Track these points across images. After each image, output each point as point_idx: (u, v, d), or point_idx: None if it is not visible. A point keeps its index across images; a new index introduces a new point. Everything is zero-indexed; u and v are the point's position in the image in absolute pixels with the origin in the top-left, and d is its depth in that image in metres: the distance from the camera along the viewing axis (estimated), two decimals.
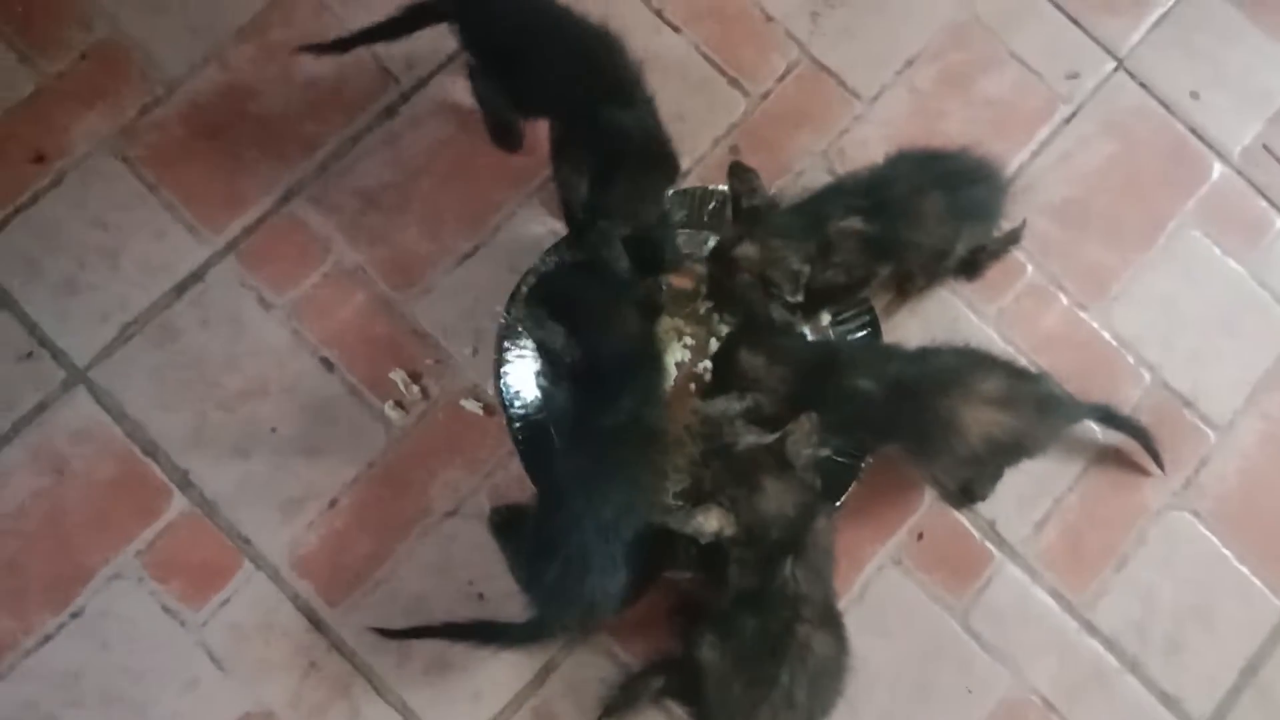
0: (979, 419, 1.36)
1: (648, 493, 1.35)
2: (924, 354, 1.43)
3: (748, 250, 1.46)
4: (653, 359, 1.45)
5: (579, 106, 1.47)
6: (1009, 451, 1.41)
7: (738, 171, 1.50)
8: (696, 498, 1.40)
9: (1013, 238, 1.62)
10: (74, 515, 1.49)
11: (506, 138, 1.64)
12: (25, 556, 1.48)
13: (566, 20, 1.50)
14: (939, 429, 1.37)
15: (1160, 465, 1.57)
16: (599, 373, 1.39)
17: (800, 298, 1.48)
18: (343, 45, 1.60)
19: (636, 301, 1.43)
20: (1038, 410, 1.40)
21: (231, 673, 1.45)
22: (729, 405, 1.41)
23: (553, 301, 1.42)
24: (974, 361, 1.41)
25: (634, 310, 1.42)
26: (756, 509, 1.31)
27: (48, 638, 1.45)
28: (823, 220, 1.47)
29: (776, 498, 1.31)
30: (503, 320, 1.52)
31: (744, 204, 1.49)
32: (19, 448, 1.51)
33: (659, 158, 1.48)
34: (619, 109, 1.44)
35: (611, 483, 1.31)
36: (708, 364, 1.55)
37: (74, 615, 1.46)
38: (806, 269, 1.45)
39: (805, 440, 1.32)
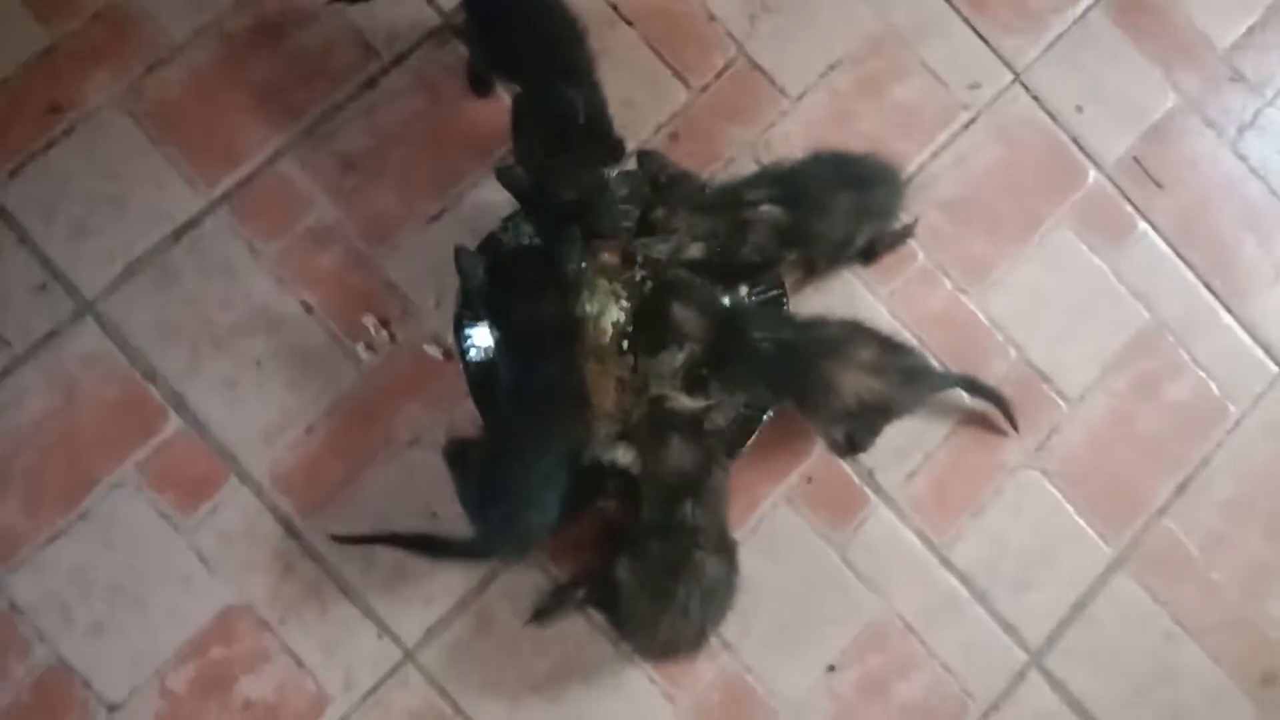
0: (852, 381, 1.57)
1: (576, 445, 1.56)
2: (813, 323, 1.65)
3: (659, 214, 1.65)
4: (571, 330, 1.62)
5: (537, 78, 1.65)
6: (878, 411, 1.62)
7: (645, 158, 1.68)
8: (620, 435, 1.62)
9: (906, 232, 1.82)
10: (82, 431, 1.66)
11: (480, 85, 1.81)
12: (40, 465, 1.64)
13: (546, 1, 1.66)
14: (819, 387, 1.58)
15: (1015, 427, 1.78)
16: (526, 345, 1.59)
17: (673, 260, 1.68)
18: None
19: (559, 280, 1.60)
20: (904, 378, 1.61)
21: (218, 571, 1.64)
22: (673, 357, 1.63)
23: (497, 271, 1.61)
24: (854, 332, 1.62)
25: (555, 288, 1.60)
26: (661, 459, 1.55)
27: (58, 536, 1.63)
28: (740, 203, 1.66)
29: (678, 454, 1.55)
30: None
31: (661, 180, 1.67)
32: (34, 369, 1.67)
33: (601, 135, 1.65)
34: (570, 87, 1.61)
35: (543, 441, 1.51)
36: None
37: (81, 517, 1.64)
38: (697, 249, 1.66)
39: (725, 415, 1.56)
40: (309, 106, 1.80)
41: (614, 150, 1.74)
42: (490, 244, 1.71)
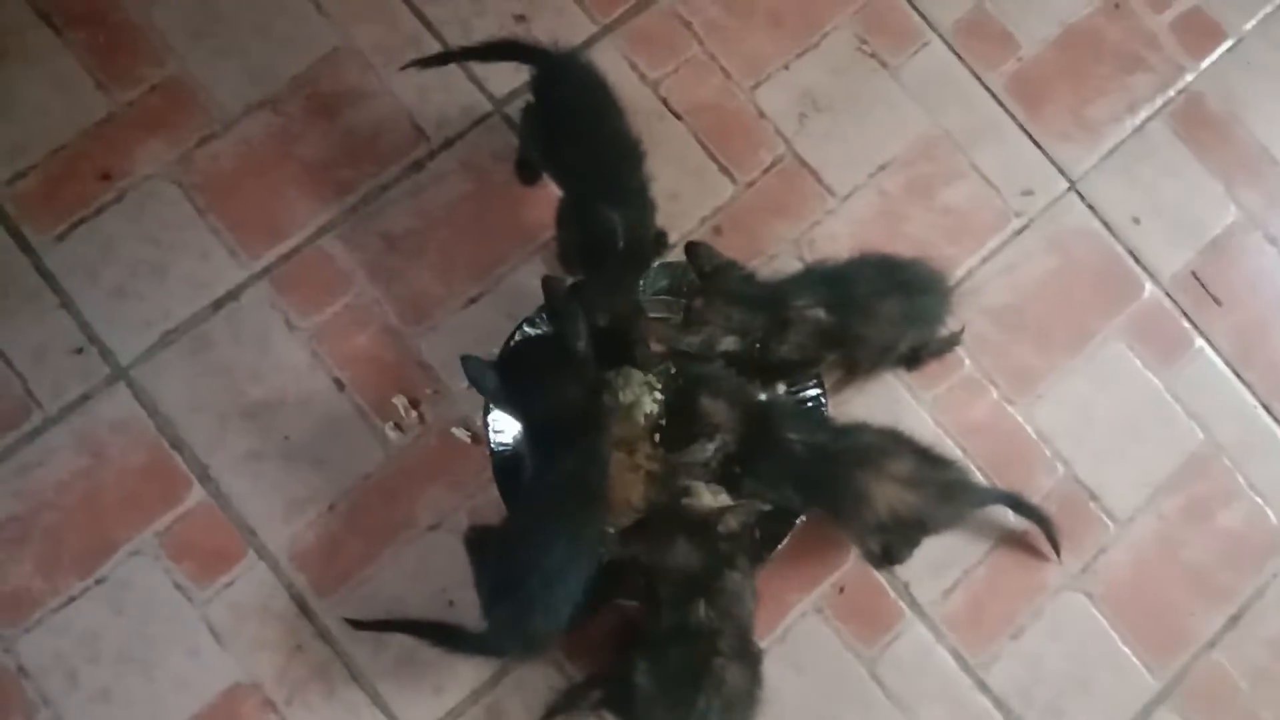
0: (886, 494, 1.53)
1: (588, 545, 1.50)
2: (850, 429, 1.61)
3: (696, 304, 1.62)
4: (594, 424, 1.57)
5: (582, 190, 1.66)
6: (912, 526, 1.57)
7: (693, 248, 1.66)
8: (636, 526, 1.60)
9: (953, 340, 1.78)
10: (106, 495, 1.65)
11: (526, 172, 1.81)
12: (60, 527, 1.64)
13: (610, 117, 1.66)
14: (851, 496, 1.54)
15: (1057, 553, 1.72)
16: (543, 434, 1.55)
17: (706, 351, 1.64)
18: (439, 60, 1.78)
19: (575, 375, 1.56)
20: (942, 494, 1.57)
21: (228, 646, 1.62)
22: (702, 450, 1.58)
23: (503, 368, 1.57)
24: (891, 442, 1.57)
25: (571, 382, 1.55)
26: (665, 557, 1.52)
27: (72, 599, 1.61)
28: (784, 299, 1.63)
29: (684, 555, 1.51)
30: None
31: (706, 269, 1.64)
32: (64, 431, 1.67)
33: (640, 258, 1.65)
34: (613, 207, 1.60)
35: (555, 537, 1.47)
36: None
37: (98, 582, 1.62)
38: (732, 342, 1.62)
39: (739, 519, 1.52)
40: (356, 185, 1.81)
41: (656, 242, 1.74)
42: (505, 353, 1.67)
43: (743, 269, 1.67)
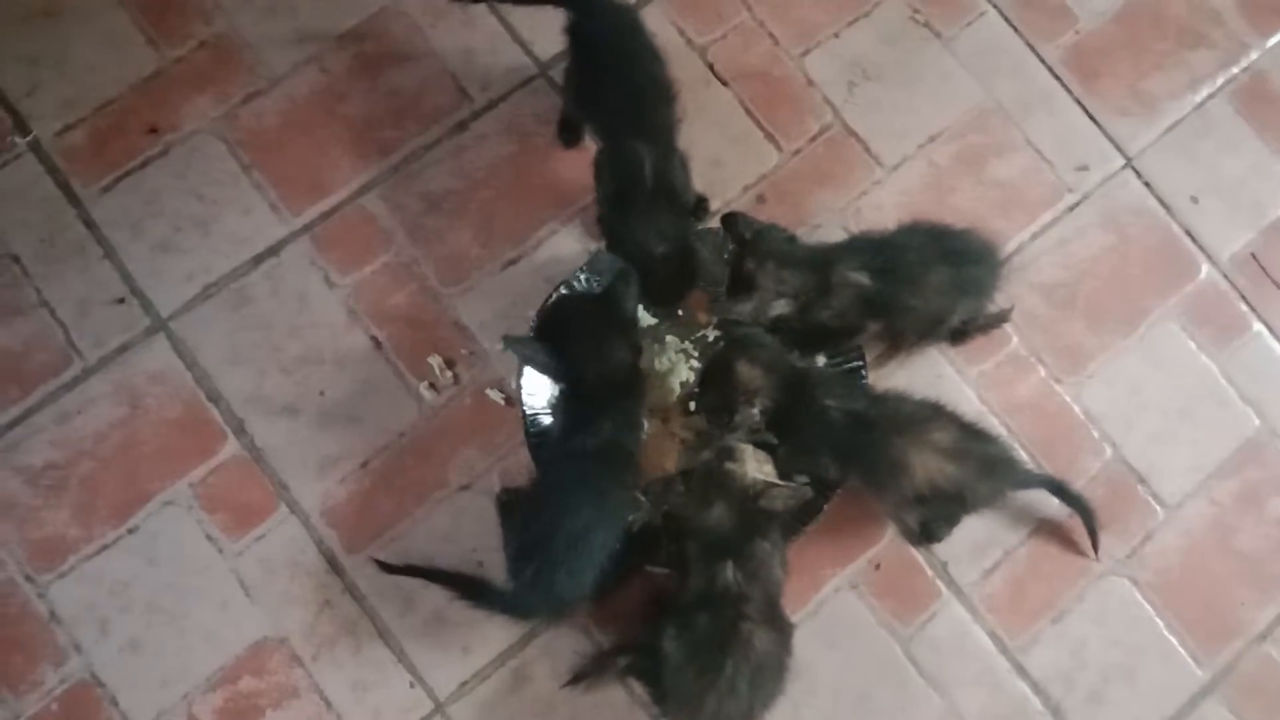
0: (925, 464, 1.49)
1: (616, 510, 1.49)
2: (890, 397, 1.58)
3: (747, 266, 1.59)
4: (633, 389, 1.56)
5: (616, 131, 1.64)
6: (951, 499, 1.52)
7: (729, 219, 1.63)
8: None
9: (1002, 317, 1.74)
10: (142, 445, 1.67)
11: (569, 134, 1.80)
12: (97, 476, 1.65)
13: (645, 57, 1.66)
14: (889, 465, 1.50)
15: (1095, 546, 1.67)
16: (583, 396, 1.53)
17: (759, 317, 1.62)
18: None
19: (625, 337, 1.55)
20: (982, 468, 1.52)
21: (257, 600, 1.62)
22: (748, 415, 1.55)
23: (549, 326, 1.56)
24: (933, 413, 1.54)
25: (621, 344, 1.54)
26: (702, 517, 1.49)
27: (105, 547, 1.63)
28: (831, 263, 1.60)
29: (718, 517, 1.48)
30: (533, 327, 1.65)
31: (747, 234, 1.61)
32: (103, 380, 1.69)
33: (671, 196, 1.63)
34: (644, 144, 1.60)
35: (583, 500, 1.45)
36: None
37: (130, 531, 1.63)
38: (784, 305, 1.59)
39: (783, 502, 1.50)
40: (399, 145, 1.81)
41: (696, 208, 1.72)
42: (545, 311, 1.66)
43: (786, 232, 1.64)
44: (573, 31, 1.69)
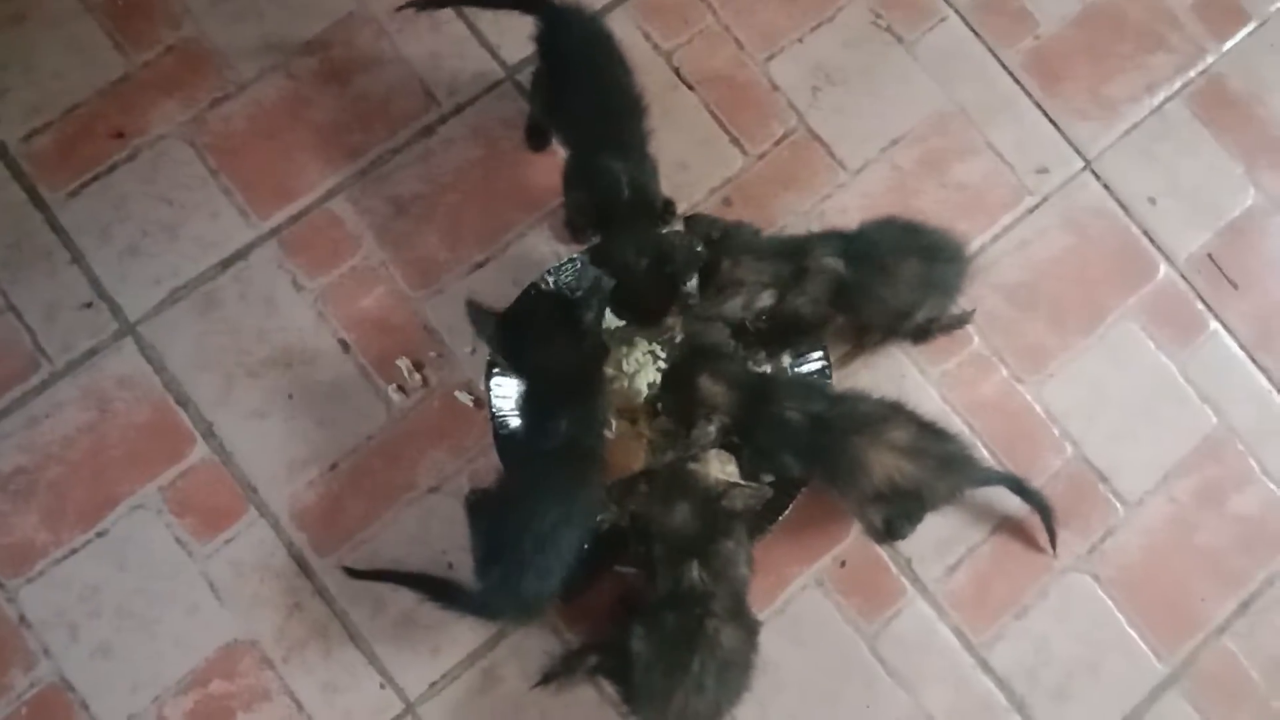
0: (883, 462, 1.51)
1: (583, 510, 1.49)
2: (849, 398, 1.59)
3: (724, 267, 1.60)
4: (593, 389, 1.57)
5: (588, 146, 1.65)
6: (911, 498, 1.54)
7: (693, 220, 1.65)
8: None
9: (963, 319, 1.77)
10: (111, 449, 1.66)
11: (536, 139, 1.81)
12: (65, 480, 1.65)
13: (615, 69, 1.66)
14: (847, 464, 1.52)
15: (1053, 543, 1.69)
16: (543, 397, 1.55)
17: (746, 314, 1.63)
18: (437, 3, 1.79)
19: (574, 339, 1.55)
20: (941, 466, 1.54)
21: (227, 603, 1.62)
22: (704, 434, 1.57)
23: (511, 311, 1.58)
24: (891, 412, 1.56)
25: (567, 345, 1.54)
26: (665, 519, 1.51)
27: (74, 551, 1.62)
28: (806, 250, 1.62)
29: (682, 518, 1.50)
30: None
31: (713, 234, 1.62)
32: (71, 385, 1.68)
33: (646, 208, 1.64)
34: (617, 160, 1.60)
35: (549, 501, 1.46)
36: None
37: (99, 535, 1.63)
38: (769, 296, 1.61)
39: (744, 502, 1.52)
40: (366, 149, 1.82)
41: (663, 212, 1.74)
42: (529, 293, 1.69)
43: (752, 227, 1.66)
44: (542, 41, 1.69)
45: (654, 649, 1.47)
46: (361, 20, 1.87)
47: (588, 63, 1.65)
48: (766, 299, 1.63)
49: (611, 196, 1.59)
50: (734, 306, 1.63)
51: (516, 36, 1.81)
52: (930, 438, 1.55)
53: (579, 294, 1.60)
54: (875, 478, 1.51)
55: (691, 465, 1.57)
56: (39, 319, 1.71)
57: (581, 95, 1.66)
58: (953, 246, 1.69)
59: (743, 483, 1.56)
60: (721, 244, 1.62)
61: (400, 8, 1.82)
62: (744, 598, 1.52)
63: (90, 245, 1.75)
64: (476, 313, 1.57)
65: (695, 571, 1.47)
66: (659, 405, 1.68)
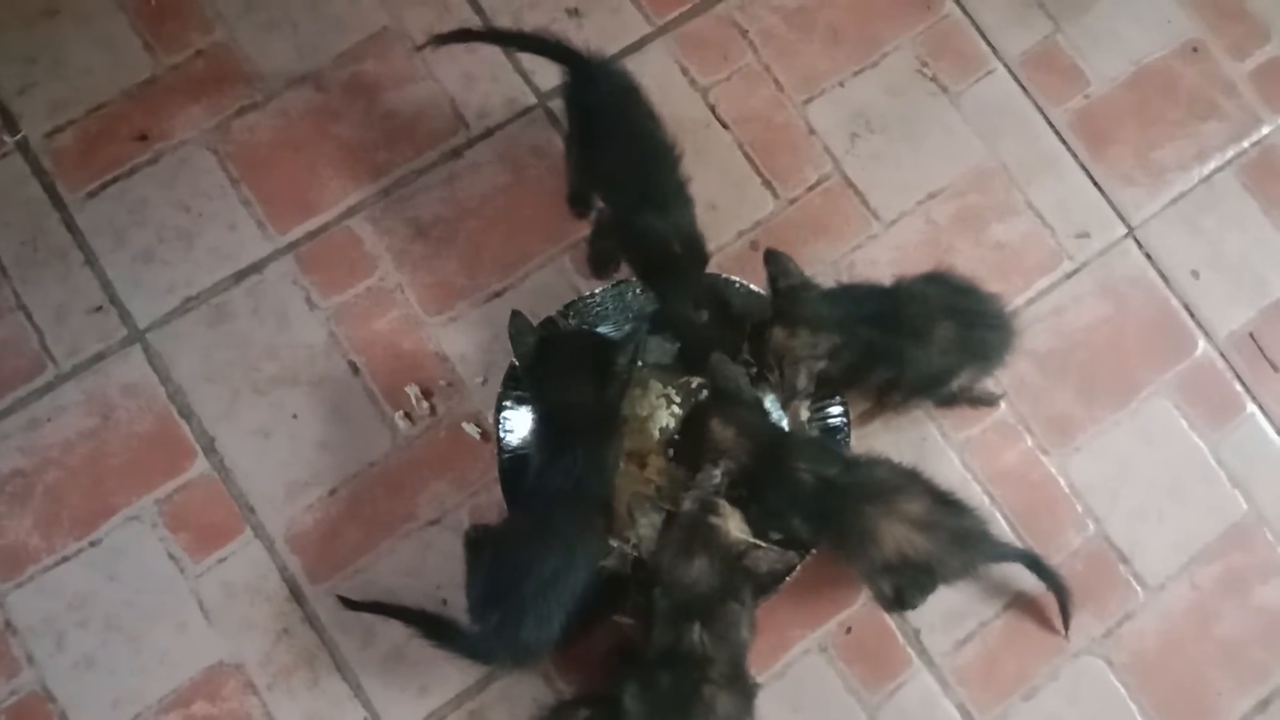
0: (895, 533, 1.46)
1: (587, 556, 1.46)
2: (864, 463, 1.54)
3: (777, 335, 1.57)
4: (609, 432, 1.53)
5: (623, 205, 1.62)
6: (922, 571, 1.49)
7: (772, 258, 1.60)
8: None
9: (991, 399, 1.72)
10: (110, 457, 1.64)
11: (579, 204, 1.75)
12: (62, 486, 1.62)
13: (644, 124, 1.63)
14: (857, 533, 1.47)
15: (1066, 624, 1.63)
16: (560, 432, 1.51)
17: (810, 388, 1.59)
18: (466, 37, 1.76)
19: (599, 382, 1.51)
20: (954, 541, 1.49)
21: (216, 624, 1.59)
22: (708, 476, 1.53)
23: (547, 342, 1.55)
24: (906, 481, 1.51)
25: (590, 386, 1.51)
26: (679, 571, 1.45)
27: (66, 559, 1.60)
28: (852, 320, 1.57)
29: (698, 573, 1.44)
30: (514, 362, 1.62)
31: (780, 285, 1.59)
32: (76, 388, 1.66)
33: (697, 253, 1.61)
34: (660, 218, 1.57)
35: (551, 544, 1.43)
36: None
37: (92, 544, 1.61)
38: (822, 364, 1.56)
39: (769, 565, 1.47)
40: (390, 168, 1.79)
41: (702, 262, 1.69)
42: (547, 328, 1.65)
43: (818, 288, 1.61)
44: (571, 100, 1.66)
45: (646, 708, 1.42)
46: (395, 36, 1.84)
47: (619, 117, 1.61)
48: (819, 367, 1.58)
49: (661, 253, 1.57)
50: (801, 383, 1.58)
51: (550, 64, 1.76)
52: (945, 511, 1.50)
53: (620, 338, 1.57)
54: (885, 549, 1.46)
55: (713, 519, 1.51)
56: (48, 319, 1.69)
57: (615, 152, 1.62)
58: (998, 313, 1.63)
59: (766, 545, 1.50)
60: (784, 309, 1.58)
61: (421, 46, 1.78)
62: (743, 662, 1.47)
63: (105, 248, 1.72)
64: (520, 324, 1.54)
65: (697, 634, 1.42)
66: (670, 450, 1.63)
